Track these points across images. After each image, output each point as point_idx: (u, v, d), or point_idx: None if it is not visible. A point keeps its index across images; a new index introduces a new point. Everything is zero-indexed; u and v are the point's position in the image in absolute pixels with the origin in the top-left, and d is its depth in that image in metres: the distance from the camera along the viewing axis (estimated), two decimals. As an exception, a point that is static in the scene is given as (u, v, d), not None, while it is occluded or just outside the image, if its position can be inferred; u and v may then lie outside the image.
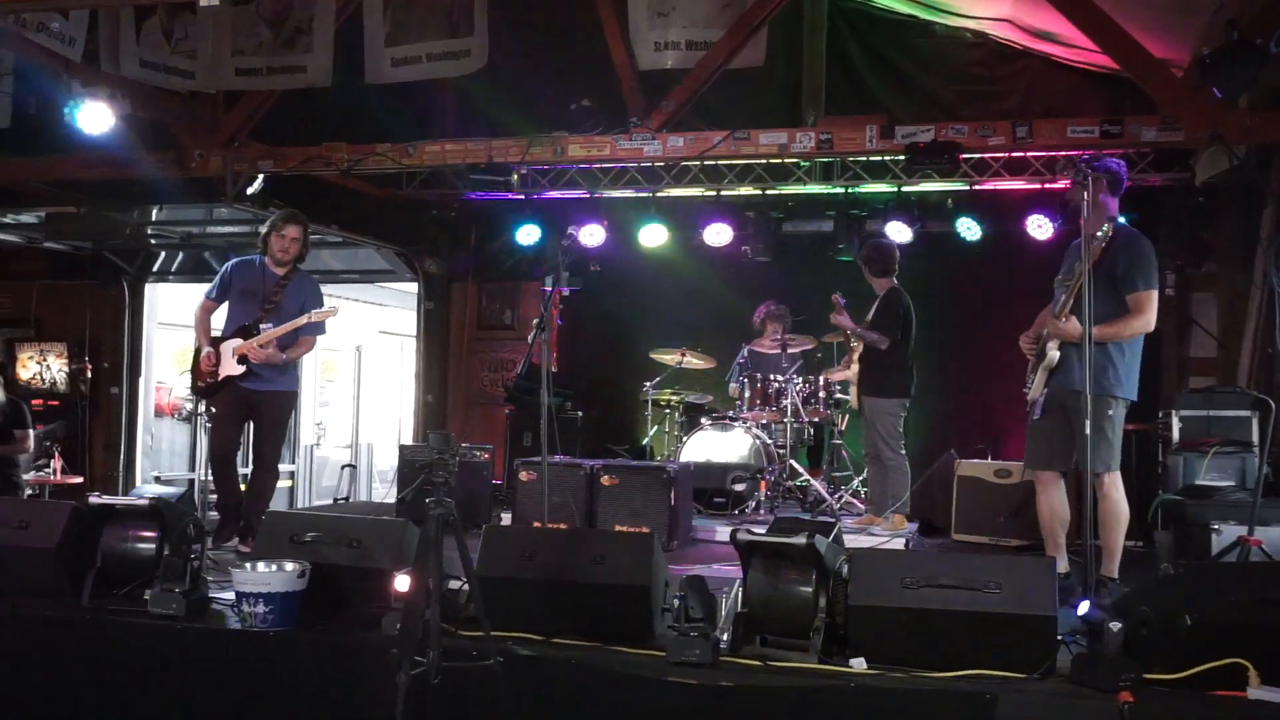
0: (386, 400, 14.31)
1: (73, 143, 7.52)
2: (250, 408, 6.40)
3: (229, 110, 8.15)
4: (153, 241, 10.78)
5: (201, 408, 6.52)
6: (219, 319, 6.59)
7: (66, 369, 10.90)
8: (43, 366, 10.93)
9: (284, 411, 6.59)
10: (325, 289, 6.77)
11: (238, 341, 6.31)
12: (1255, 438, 6.37)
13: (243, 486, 6.52)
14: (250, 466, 6.60)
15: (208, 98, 8.11)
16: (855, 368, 7.46)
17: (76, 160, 8.11)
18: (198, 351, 6.45)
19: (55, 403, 10.81)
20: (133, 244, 10.77)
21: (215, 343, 6.40)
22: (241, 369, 6.28)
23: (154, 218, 10.19)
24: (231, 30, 7.73)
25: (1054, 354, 5.21)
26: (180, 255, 11.14)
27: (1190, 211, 8.36)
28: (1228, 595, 3.65)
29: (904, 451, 7.27)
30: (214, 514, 6.52)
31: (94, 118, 7.13)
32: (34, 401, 10.65)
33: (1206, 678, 3.52)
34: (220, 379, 6.33)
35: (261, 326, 6.30)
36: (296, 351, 6.42)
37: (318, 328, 6.44)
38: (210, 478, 6.53)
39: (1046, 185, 8.09)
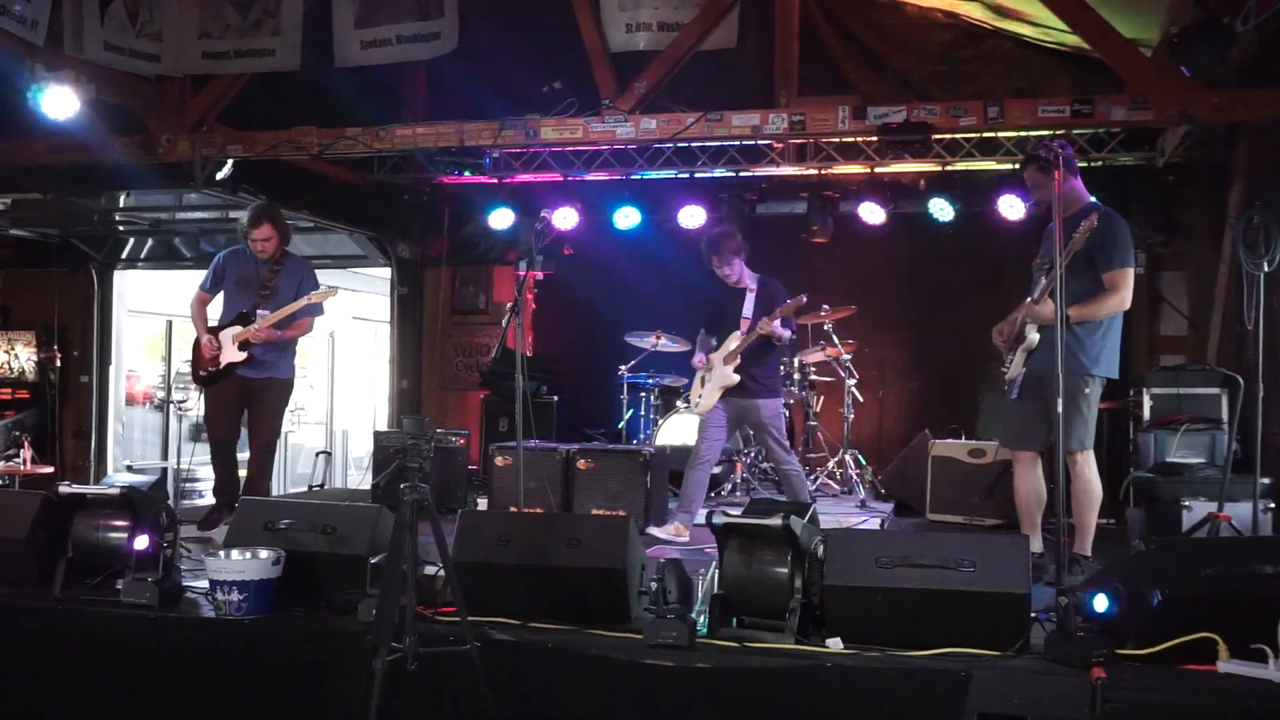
0: (361, 386, 14.22)
1: (37, 128, 7.41)
2: (248, 396, 6.49)
3: (196, 94, 8.05)
4: (121, 228, 10.66)
5: (180, 396, 6.46)
6: (214, 310, 6.69)
7: (35, 357, 10.77)
8: (10, 355, 10.80)
9: (281, 400, 6.63)
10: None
11: (237, 329, 6.41)
12: (1225, 415, 6.44)
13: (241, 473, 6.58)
14: (249, 453, 6.60)
15: (174, 81, 7.99)
16: (731, 369, 6.56)
17: (41, 145, 8.00)
18: (197, 341, 6.55)
19: (24, 392, 10.71)
20: (101, 230, 10.66)
21: (214, 332, 6.49)
22: (243, 355, 6.38)
23: (122, 204, 10.06)
24: (198, 12, 7.66)
25: (1033, 336, 5.24)
26: (150, 241, 11.02)
27: (1160, 190, 8.42)
28: (1198, 571, 3.69)
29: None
30: (182, 502, 6.46)
31: (58, 102, 7.00)
32: (2, 390, 10.58)
33: (1178, 652, 3.57)
34: (222, 367, 6.42)
35: (259, 312, 6.40)
36: (295, 331, 6.52)
37: (315, 309, 6.54)
38: (212, 464, 6.60)
39: (1018, 165, 8.11)
